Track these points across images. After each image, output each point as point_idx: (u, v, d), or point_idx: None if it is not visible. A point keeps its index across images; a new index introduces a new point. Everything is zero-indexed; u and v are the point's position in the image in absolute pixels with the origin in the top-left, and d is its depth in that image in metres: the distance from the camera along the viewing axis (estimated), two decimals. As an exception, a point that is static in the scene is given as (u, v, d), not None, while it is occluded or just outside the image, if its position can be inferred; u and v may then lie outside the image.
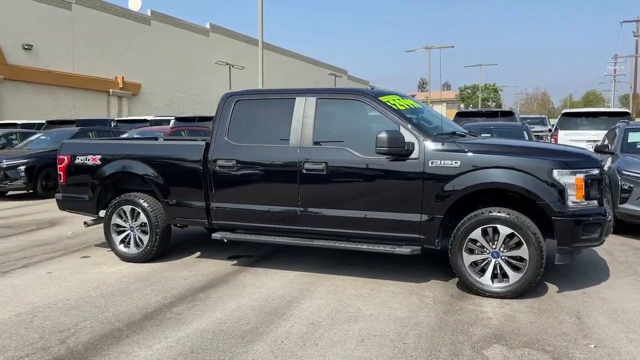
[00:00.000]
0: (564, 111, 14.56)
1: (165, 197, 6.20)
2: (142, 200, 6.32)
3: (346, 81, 49.97)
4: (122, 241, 6.52)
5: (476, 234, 4.94)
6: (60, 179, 6.87)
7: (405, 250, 5.19)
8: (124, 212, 6.44)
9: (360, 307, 4.79)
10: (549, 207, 4.71)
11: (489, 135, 9.78)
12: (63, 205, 6.95)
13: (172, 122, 17.94)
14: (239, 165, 5.76)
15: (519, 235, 4.79)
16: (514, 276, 4.87)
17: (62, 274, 5.98)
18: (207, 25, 41.30)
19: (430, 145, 5.09)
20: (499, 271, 4.94)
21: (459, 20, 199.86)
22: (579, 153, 5.17)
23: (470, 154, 4.99)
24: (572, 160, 4.89)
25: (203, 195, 6.01)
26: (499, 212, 4.87)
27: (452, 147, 5.06)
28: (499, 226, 4.86)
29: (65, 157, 6.76)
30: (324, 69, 49.69)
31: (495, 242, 4.92)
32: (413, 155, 5.08)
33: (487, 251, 4.95)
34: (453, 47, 43.11)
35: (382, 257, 6.32)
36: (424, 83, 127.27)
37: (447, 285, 5.38)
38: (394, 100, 5.55)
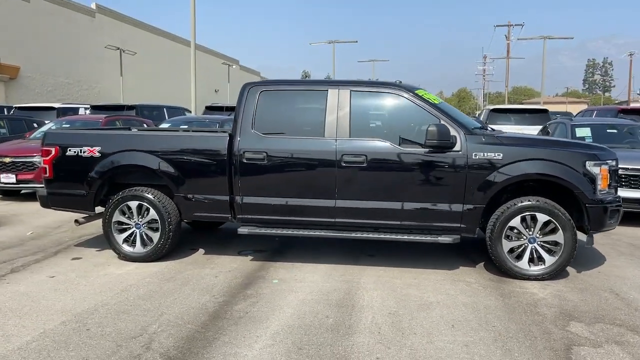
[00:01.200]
0: (491, 107, 15.69)
1: (183, 191, 5.85)
2: (152, 195, 5.91)
3: (238, 71, 49.24)
4: (125, 240, 6.05)
5: (515, 221, 5.29)
6: (45, 173, 6.19)
7: (447, 239, 5.41)
8: (129, 208, 5.98)
9: (420, 295, 4.93)
10: (584, 196, 5.18)
11: None
12: (50, 202, 6.26)
13: (85, 110, 16.59)
14: (269, 157, 5.61)
15: (555, 222, 5.22)
16: (549, 259, 5.29)
17: (68, 278, 5.43)
18: (93, 6, 38.35)
19: (472, 138, 5.34)
20: (535, 255, 5.33)
21: (359, 16, 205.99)
22: (600, 147, 5.72)
23: (510, 146, 5.31)
24: (598, 152, 5.41)
25: (227, 189, 5.76)
26: (537, 201, 5.25)
27: (493, 140, 5.36)
28: (537, 214, 5.25)
29: (52, 149, 6.10)
30: (218, 58, 48.52)
31: (532, 229, 5.30)
32: (456, 148, 5.30)
33: (524, 237, 5.32)
34: (356, 42, 44.35)
35: (397, 248, 6.50)
36: (306, 76, 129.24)
37: (478, 271, 5.70)
38: (427, 94, 5.73)
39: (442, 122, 5.35)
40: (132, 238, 6.04)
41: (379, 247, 6.55)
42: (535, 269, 5.32)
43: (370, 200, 5.50)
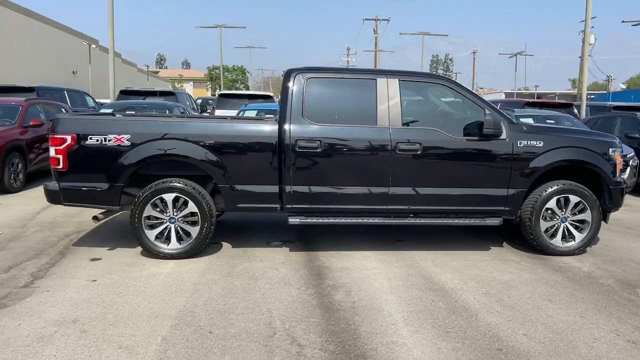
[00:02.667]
0: (219, 92, 16.49)
1: (228, 181, 5.53)
2: (191, 187, 5.51)
3: (98, 52, 45.55)
4: (158, 236, 5.56)
5: (552, 203, 5.82)
6: (58, 164, 5.45)
7: (495, 221, 5.79)
8: (163, 201, 5.50)
9: (489, 275, 5.24)
10: (610, 179, 5.86)
11: None
12: (63, 197, 5.52)
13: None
14: (323, 145, 5.52)
15: (584, 202, 5.84)
16: (579, 236, 5.91)
17: (115, 280, 4.89)
18: None
19: (515, 127, 5.76)
20: (566, 233, 5.91)
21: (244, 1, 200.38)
22: (612, 136, 6.46)
23: (548, 135, 5.82)
24: (615, 140, 6.12)
25: (277, 178, 5.56)
26: (570, 184, 5.83)
27: (533, 129, 5.83)
28: (570, 196, 5.82)
29: (68, 137, 5.39)
30: (78, 37, 44.39)
31: (564, 209, 5.87)
32: (502, 136, 5.67)
33: (557, 217, 5.88)
34: (245, 27, 43.23)
35: (420, 233, 6.75)
36: (161, 59, 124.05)
37: (509, 250, 6.17)
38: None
39: (488, 111, 5.68)
40: (164, 234, 5.56)
41: (405, 232, 6.74)
42: (568, 245, 5.90)
43: (423, 187, 5.67)
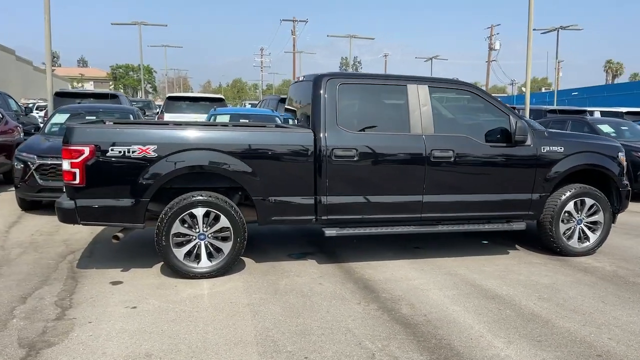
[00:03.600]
0: (167, 95, 15.40)
1: (262, 193, 5.23)
2: (223, 200, 5.16)
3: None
4: (187, 254, 5.16)
5: (570, 206, 6.05)
6: (74, 179, 4.89)
7: (521, 225, 5.92)
8: (193, 217, 5.11)
9: (528, 279, 5.33)
10: (620, 181, 6.18)
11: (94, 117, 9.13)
12: (80, 215, 4.95)
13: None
14: (360, 154, 5.38)
15: (598, 205, 6.12)
16: (593, 237, 6.18)
17: (158, 306, 4.46)
18: None
19: (537, 133, 5.92)
20: (581, 234, 6.17)
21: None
22: (614, 140, 6.80)
23: (567, 140, 6.04)
24: (620, 145, 6.46)
25: (313, 189, 5.35)
26: (585, 187, 6.07)
27: (554, 135, 6.02)
28: (586, 199, 6.08)
29: (86, 149, 4.86)
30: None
31: (580, 212, 6.12)
32: (527, 142, 5.80)
33: (574, 220, 6.11)
34: (167, 25, 41.09)
35: (436, 239, 6.76)
36: (54, 57, 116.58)
37: (525, 252, 6.33)
38: None
39: (511, 118, 5.79)
40: (194, 252, 5.17)
41: (419, 239, 6.72)
42: (584, 246, 6.16)
43: (456, 195, 5.68)
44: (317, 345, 3.77)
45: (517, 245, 6.63)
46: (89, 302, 4.52)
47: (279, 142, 5.27)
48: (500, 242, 6.77)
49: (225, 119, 9.90)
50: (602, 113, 17.17)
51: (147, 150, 4.94)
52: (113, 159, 4.90)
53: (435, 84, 5.78)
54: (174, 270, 5.12)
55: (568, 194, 5.99)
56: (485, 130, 5.77)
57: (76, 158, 4.84)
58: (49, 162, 7.93)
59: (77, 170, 4.85)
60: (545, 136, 5.94)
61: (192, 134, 5.14)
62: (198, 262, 5.16)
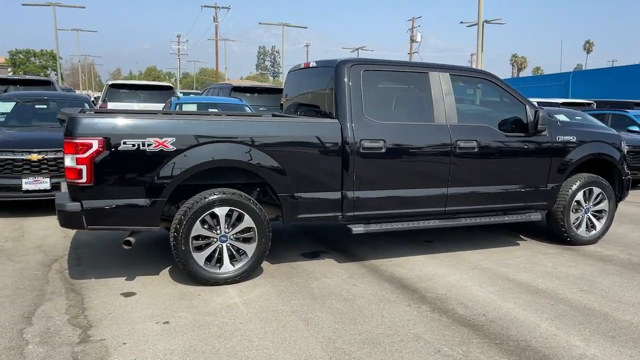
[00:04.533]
0: (111, 82, 14.24)
1: (289, 190, 4.80)
2: (246, 198, 4.70)
3: None
4: (208, 259, 4.65)
5: (580, 195, 6.07)
6: (80, 178, 4.24)
7: (538, 216, 5.86)
8: (214, 217, 4.60)
9: (555, 270, 5.27)
10: (623, 170, 6.28)
11: None
12: (88, 218, 4.29)
13: None
14: (387, 146, 5.07)
15: (604, 193, 6.19)
16: (599, 225, 6.25)
17: (192, 320, 3.95)
18: None
19: (552, 122, 5.87)
20: (588, 223, 6.22)
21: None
22: (612, 129, 6.90)
23: (578, 129, 6.03)
24: (620, 134, 6.57)
25: (339, 183, 4.98)
26: (593, 176, 6.11)
27: (566, 124, 6.00)
28: (593, 188, 6.13)
29: (94, 142, 4.22)
30: None
31: (588, 201, 6.16)
32: (545, 132, 5.74)
33: (582, 209, 6.15)
34: (84, 7, 37.93)
35: (446, 232, 6.59)
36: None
37: (536, 243, 6.31)
38: None
39: (527, 107, 5.70)
40: (215, 255, 4.67)
41: (429, 233, 6.52)
42: (591, 234, 6.22)
43: (478, 186, 5.52)
44: (395, 355, 3.45)
45: (521, 236, 6.60)
46: (110, 319, 3.92)
47: (306, 134, 4.85)
48: (504, 233, 6.70)
49: (191, 108, 9.24)
50: (538, 104, 17.80)
51: (165, 144, 4.36)
52: (126, 153, 4.28)
53: (455, 71, 5.56)
54: (194, 278, 4.59)
55: (578, 183, 6.01)
56: (504, 119, 5.64)
57: (83, 153, 4.18)
58: (3, 157, 7.00)
59: (83, 167, 4.20)
60: (558, 125, 5.91)
61: (213, 125, 4.62)
62: (220, 267, 4.66)
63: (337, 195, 4.97)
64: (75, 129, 4.19)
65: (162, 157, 4.37)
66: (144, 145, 4.31)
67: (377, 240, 6.13)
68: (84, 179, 4.21)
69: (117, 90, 13.33)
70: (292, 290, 4.59)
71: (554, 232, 6.14)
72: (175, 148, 4.39)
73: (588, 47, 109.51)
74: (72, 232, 6.33)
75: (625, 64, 42.85)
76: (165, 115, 5.23)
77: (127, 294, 4.43)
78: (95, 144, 4.20)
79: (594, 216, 6.22)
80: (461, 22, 51.29)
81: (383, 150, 5.03)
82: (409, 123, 5.24)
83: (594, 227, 6.23)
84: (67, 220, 4.30)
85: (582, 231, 6.16)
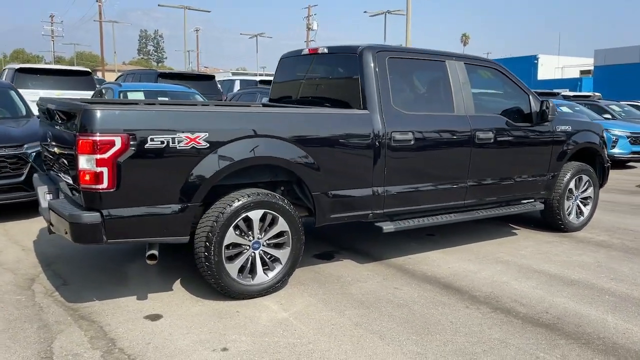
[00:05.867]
0: (17, 66, 12.39)
1: (322, 188, 4.36)
2: (280, 199, 4.20)
3: None
4: (241, 269, 4.10)
5: (572, 184, 6.21)
6: (99, 182, 3.50)
7: (541, 206, 5.91)
8: (247, 222, 4.06)
9: (570, 259, 5.33)
10: (605, 158, 6.52)
11: None
12: (108, 230, 3.56)
13: None
14: (415, 138, 4.80)
15: (590, 181, 6.39)
16: (586, 211, 6.46)
17: (253, 347, 3.43)
18: None
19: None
20: (577, 210, 6.39)
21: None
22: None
23: (572, 120, 6.15)
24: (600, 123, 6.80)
25: (371, 179, 4.63)
26: (582, 165, 6.27)
27: (561, 115, 6.08)
28: (583, 176, 6.30)
29: (117, 139, 3.51)
30: None
31: (578, 189, 6.33)
32: (547, 122, 5.77)
33: (573, 197, 6.31)
34: None
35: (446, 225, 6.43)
36: None
37: (533, 232, 6.38)
38: None
39: (530, 97, 5.70)
40: (247, 265, 4.13)
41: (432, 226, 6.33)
42: (580, 221, 6.41)
43: (493, 178, 5.43)
44: (503, 366, 3.20)
45: (510, 225, 6.65)
46: (154, 351, 3.29)
47: (337, 126, 4.42)
48: (495, 223, 6.69)
49: (139, 96, 8.31)
50: None
51: (197, 140, 3.73)
52: (153, 152, 3.60)
53: (469, 61, 5.39)
54: (226, 292, 4.02)
55: (571, 172, 6.13)
56: (511, 109, 5.58)
57: (103, 153, 3.45)
58: None
59: (104, 170, 3.46)
60: (558, 114, 5.97)
61: (248, 118, 4.04)
62: (253, 277, 4.13)
63: (368, 191, 4.61)
64: (92, 123, 3.43)
65: (194, 155, 3.74)
66: (173, 142, 3.65)
67: (381, 237, 5.83)
68: (104, 184, 3.48)
69: (25, 75, 11.74)
70: (335, 298, 4.18)
71: (549, 220, 6.24)
72: (208, 145, 3.77)
73: (465, 39, 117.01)
74: (28, 244, 5.41)
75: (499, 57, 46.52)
76: (196, 107, 4.53)
77: (153, 317, 3.77)
78: (118, 142, 3.48)
79: (582, 203, 6.40)
80: (365, 12, 51.79)
81: (412, 143, 4.74)
82: (434, 114, 4.99)
83: (582, 213, 6.42)
84: (83, 234, 3.54)
85: (572, 218, 6.32)
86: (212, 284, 3.99)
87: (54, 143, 4.18)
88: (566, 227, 6.24)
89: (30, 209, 6.72)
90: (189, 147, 3.71)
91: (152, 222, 3.69)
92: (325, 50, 5.14)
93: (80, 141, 3.44)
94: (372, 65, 4.63)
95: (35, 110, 7.99)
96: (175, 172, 3.70)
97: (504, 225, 6.58)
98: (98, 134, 3.43)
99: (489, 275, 4.78)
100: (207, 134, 3.76)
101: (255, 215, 4.03)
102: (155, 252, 3.82)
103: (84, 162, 3.45)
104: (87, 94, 11.87)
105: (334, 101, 4.99)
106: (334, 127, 4.39)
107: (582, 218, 6.41)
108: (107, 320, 3.71)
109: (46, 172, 4.95)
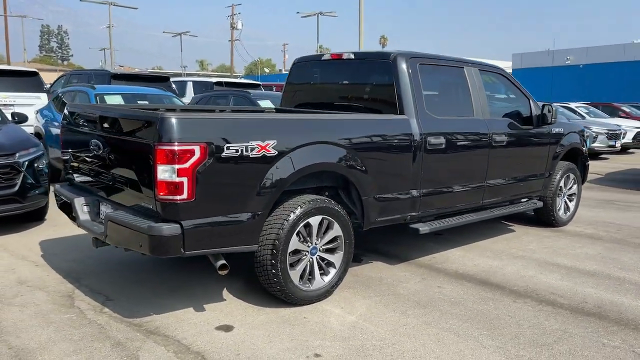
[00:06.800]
0: None
1: (370, 192, 4.47)
2: (335, 204, 4.27)
3: None
4: (302, 276, 4.14)
5: (562, 182, 6.69)
6: (179, 193, 3.42)
7: (540, 203, 6.32)
8: (307, 228, 4.10)
9: (575, 251, 5.74)
10: (586, 157, 7.05)
11: None
12: (189, 242, 3.47)
13: None
14: (446, 141, 5.02)
15: (575, 178, 6.91)
16: (572, 207, 6.96)
17: (340, 352, 3.48)
18: None
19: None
20: (564, 206, 6.88)
21: None
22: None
23: (560, 121, 6.61)
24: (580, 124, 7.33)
25: (409, 183, 4.79)
26: (569, 164, 6.77)
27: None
28: (570, 174, 6.80)
29: (196, 148, 3.45)
30: None
31: (566, 187, 6.82)
32: (546, 125, 6.18)
33: (562, 194, 6.79)
34: None
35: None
36: None
37: (523, 227, 6.78)
38: None
39: (530, 101, 6.09)
40: (306, 271, 4.17)
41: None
42: (567, 215, 6.90)
43: (505, 178, 5.74)
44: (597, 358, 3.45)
45: (504, 222, 7.03)
46: (250, 362, 3.26)
47: (382, 131, 4.54)
48: (490, 222, 6.99)
49: (117, 99, 7.99)
50: None
51: (267, 147, 3.73)
52: (229, 160, 3.56)
53: (480, 66, 5.68)
54: (289, 299, 4.03)
55: (561, 171, 6.59)
56: (515, 112, 5.93)
57: (184, 162, 3.37)
58: None
59: (184, 180, 3.39)
60: (551, 118, 6.39)
61: (309, 125, 4.09)
62: (312, 283, 4.17)
63: (407, 194, 4.76)
64: (171, 132, 3.35)
65: (265, 163, 3.73)
66: (247, 150, 3.62)
67: (397, 238, 6.01)
68: (184, 195, 3.40)
69: None
70: (390, 299, 4.30)
71: (543, 216, 6.66)
72: (276, 152, 3.77)
73: (383, 41, 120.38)
74: (36, 259, 5.13)
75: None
76: (264, 114, 4.45)
77: (224, 328, 3.73)
78: (197, 151, 3.41)
79: (568, 199, 6.90)
80: (297, 12, 51.83)
81: (443, 147, 4.94)
82: (459, 118, 5.23)
83: (568, 209, 6.91)
84: (163, 246, 3.42)
85: (562, 214, 6.79)
86: (276, 292, 3.98)
87: (101, 152, 3.99)
88: (557, 223, 6.70)
89: (24, 221, 6.33)
90: (259, 155, 3.69)
91: (228, 231, 3.64)
92: (352, 56, 5.23)
93: (159, 151, 3.34)
94: (406, 71, 4.78)
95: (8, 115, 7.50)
96: (248, 181, 3.68)
97: (499, 223, 6.95)
98: (177, 143, 3.34)
99: (515, 271, 5.06)
100: (275, 141, 3.76)
101: (314, 221, 4.06)
102: (225, 262, 3.75)
103: (163, 173, 3.35)
104: (38, 96, 11.21)
105: (363, 107, 5.10)
106: (380, 132, 4.50)
107: (568, 213, 6.91)
108: (180, 333, 3.62)
109: (69, 182, 4.71)
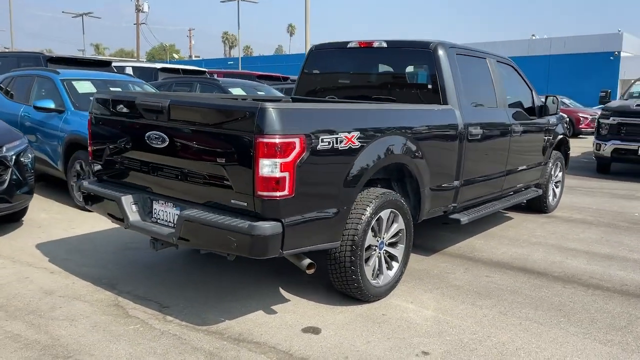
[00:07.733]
0: None
1: (427, 184, 4.42)
2: (401, 198, 4.20)
3: None
4: (373, 270, 4.03)
5: (554, 170, 7.02)
6: (279, 189, 3.18)
7: (540, 191, 6.59)
8: (379, 222, 3.98)
9: (578, 236, 6.05)
10: (569, 146, 7.44)
11: None
12: (289, 241, 3.24)
13: None
14: (482, 131, 5.08)
15: (562, 166, 7.27)
16: (558, 193, 7.33)
17: (445, 349, 3.43)
18: None
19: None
20: (553, 193, 7.23)
21: None
22: None
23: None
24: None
25: (454, 173, 4.80)
26: (558, 153, 7.11)
27: (547, 108, 6.80)
28: (559, 162, 7.14)
29: (297, 140, 3.23)
30: None
31: (554, 174, 7.16)
32: (547, 115, 6.44)
33: (552, 181, 7.11)
34: None
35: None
36: None
37: (521, 214, 7.05)
38: None
39: (533, 92, 6.32)
40: (376, 266, 4.07)
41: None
42: (555, 201, 7.26)
43: (519, 167, 5.92)
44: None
45: (505, 212, 7.26)
46: (365, 365, 3.12)
47: (438, 122, 4.51)
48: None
49: (86, 86, 7.33)
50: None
51: (352, 139, 3.57)
52: (322, 153, 3.37)
53: (497, 58, 5.79)
54: (363, 296, 3.90)
55: (553, 159, 6.91)
56: (522, 103, 6.13)
57: (286, 156, 3.14)
58: None
59: (286, 175, 3.16)
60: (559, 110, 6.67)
61: (385, 115, 3.96)
62: (380, 278, 4.07)
63: (452, 185, 4.77)
64: (272, 123, 3.10)
65: (350, 155, 3.58)
66: (337, 142, 3.45)
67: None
68: (285, 191, 3.17)
69: None
70: (450, 291, 4.30)
71: (537, 203, 6.95)
72: (360, 144, 3.62)
73: (291, 30, 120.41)
74: (46, 265, 4.65)
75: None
76: (347, 105, 4.18)
77: (311, 330, 3.54)
78: (298, 144, 3.19)
79: (555, 186, 7.25)
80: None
81: (479, 137, 4.99)
82: (490, 108, 5.30)
83: (555, 195, 7.27)
84: (264, 246, 3.16)
85: (551, 200, 7.13)
86: (352, 289, 3.83)
87: (164, 145, 3.61)
88: (548, 209, 7.02)
89: (10, 221, 5.66)
90: (346, 148, 3.52)
91: (320, 228, 3.46)
92: (384, 44, 5.12)
93: (260, 144, 3.08)
94: (449, 61, 4.77)
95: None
96: (337, 174, 3.51)
97: (497, 212, 7.14)
98: (278, 135, 3.10)
99: (542, 257, 5.23)
100: (358, 132, 3.60)
101: (385, 215, 3.95)
102: (313, 262, 3.56)
103: (265, 167, 3.10)
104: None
105: (398, 97, 5.02)
106: (434, 123, 4.47)
107: (555, 200, 7.27)
108: (270, 339, 3.39)
109: (98, 178, 4.25)
